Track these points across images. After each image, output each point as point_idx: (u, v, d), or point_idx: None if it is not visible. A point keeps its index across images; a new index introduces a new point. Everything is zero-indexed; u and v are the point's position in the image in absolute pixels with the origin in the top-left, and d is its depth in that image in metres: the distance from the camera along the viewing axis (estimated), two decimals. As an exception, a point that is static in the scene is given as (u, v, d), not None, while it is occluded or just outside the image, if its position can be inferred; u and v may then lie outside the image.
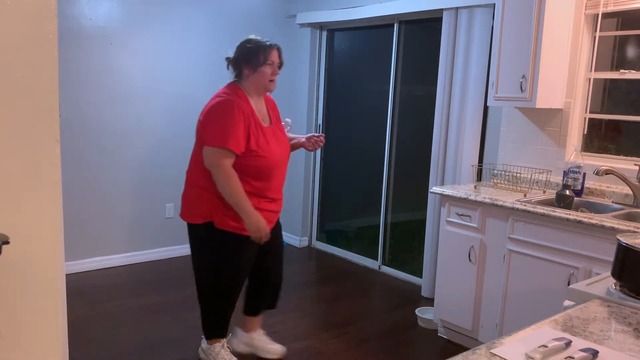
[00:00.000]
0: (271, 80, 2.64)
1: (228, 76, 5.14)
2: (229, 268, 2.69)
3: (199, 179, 2.61)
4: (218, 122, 2.50)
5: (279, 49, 2.66)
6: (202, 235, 2.67)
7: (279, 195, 2.76)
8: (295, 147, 2.92)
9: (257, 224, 2.55)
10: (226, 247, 2.64)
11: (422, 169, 4.20)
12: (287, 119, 3.00)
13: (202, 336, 2.96)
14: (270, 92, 2.71)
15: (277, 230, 2.89)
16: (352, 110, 5.03)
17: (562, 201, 3.01)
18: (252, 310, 3.02)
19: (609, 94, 3.27)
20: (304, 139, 2.92)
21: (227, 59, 2.70)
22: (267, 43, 2.62)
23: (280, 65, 2.67)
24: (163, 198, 4.70)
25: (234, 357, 2.88)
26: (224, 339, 2.88)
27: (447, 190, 3.25)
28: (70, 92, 4.08)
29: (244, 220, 2.54)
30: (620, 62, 3.18)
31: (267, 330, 3.42)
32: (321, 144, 2.91)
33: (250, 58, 2.59)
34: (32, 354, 1.38)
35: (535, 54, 3.05)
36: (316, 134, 2.91)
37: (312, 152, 5.25)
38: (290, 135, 2.93)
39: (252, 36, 2.69)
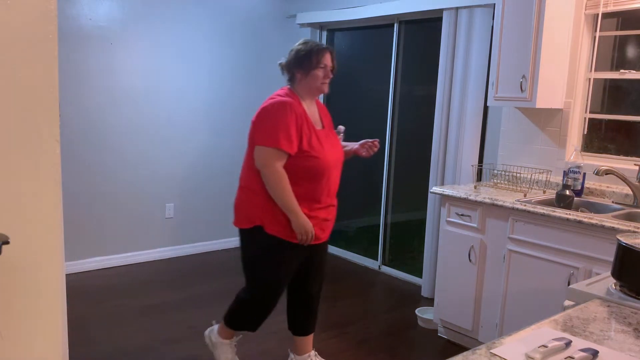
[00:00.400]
0: (323, 83, 2.61)
1: (228, 75, 5.14)
2: (272, 274, 2.63)
3: (252, 182, 2.56)
4: (269, 122, 2.47)
5: (331, 52, 2.62)
6: (249, 239, 2.63)
7: (333, 201, 2.68)
8: (348, 154, 2.85)
9: (304, 225, 2.50)
10: (272, 253, 2.58)
11: (422, 169, 4.20)
12: (340, 126, 2.94)
13: (214, 321, 2.94)
14: (325, 93, 2.69)
15: (323, 247, 2.79)
16: (352, 110, 5.03)
17: (562, 201, 3.01)
18: (301, 331, 2.88)
19: (609, 94, 3.27)
20: (357, 146, 2.85)
21: (280, 64, 2.66)
22: (320, 46, 2.59)
23: (332, 69, 2.63)
24: (163, 198, 4.70)
25: (237, 358, 2.88)
26: (235, 338, 2.86)
27: (447, 190, 3.25)
28: (70, 92, 4.08)
29: (292, 221, 2.50)
30: (620, 62, 3.18)
31: (267, 330, 3.42)
32: (376, 149, 2.82)
33: (302, 61, 2.56)
34: (32, 354, 1.38)
35: (535, 54, 3.05)
36: (369, 140, 2.82)
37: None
38: (343, 142, 2.87)
39: (305, 40, 2.65)
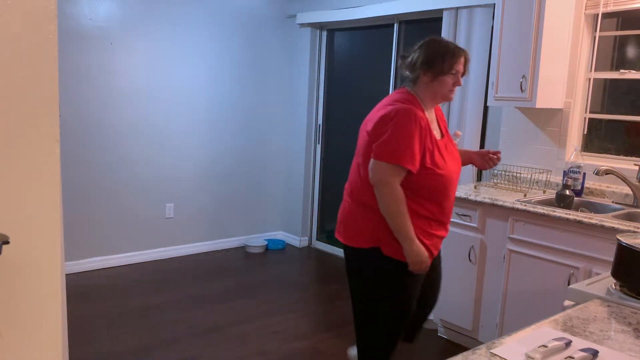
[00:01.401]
0: (451, 91, 2.27)
1: (228, 75, 5.13)
2: (394, 301, 2.31)
3: (367, 196, 2.23)
4: (391, 133, 2.14)
5: (466, 57, 2.26)
6: (366, 261, 2.29)
7: (449, 219, 2.37)
8: (464, 162, 2.54)
9: (419, 254, 2.19)
10: (393, 278, 2.26)
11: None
12: (457, 131, 2.63)
13: None
14: (450, 101, 2.35)
15: (439, 259, 2.52)
16: (352, 110, 5.02)
17: (562, 201, 3.01)
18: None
19: (609, 94, 3.27)
20: (474, 155, 2.56)
21: (403, 59, 2.32)
22: (455, 49, 2.24)
23: (463, 74, 2.29)
24: (163, 198, 4.70)
25: None
26: None
27: (447, 190, 3.25)
28: (70, 92, 4.08)
29: (404, 248, 2.18)
30: (620, 62, 3.18)
31: (268, 330, 3.42)
32: (497, 162, 2.50)
33: (433, 63, 2.21)
34: (32, 354, 1.37)
35: (535, 54, 3.05)
36: (492, 151, 2.52)
37: (312, 152, 5.25)
38: (459, 149, 2.55)
39: (438, 37, 2.33)
